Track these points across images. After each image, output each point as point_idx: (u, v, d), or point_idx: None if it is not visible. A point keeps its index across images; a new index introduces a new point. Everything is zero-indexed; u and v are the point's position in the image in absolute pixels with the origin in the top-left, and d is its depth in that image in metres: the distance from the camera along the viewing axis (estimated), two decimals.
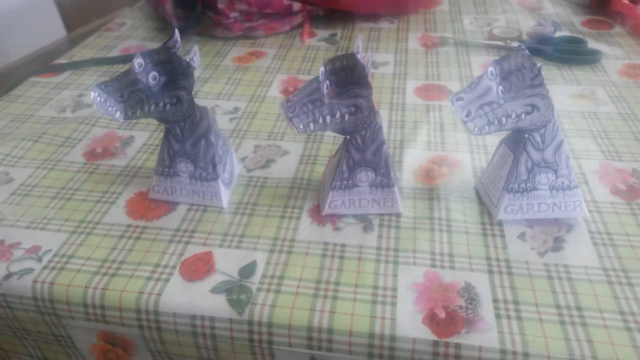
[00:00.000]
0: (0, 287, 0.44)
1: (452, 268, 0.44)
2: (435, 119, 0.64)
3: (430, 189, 0.53)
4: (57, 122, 0.66)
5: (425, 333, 0.38)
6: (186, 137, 0.50)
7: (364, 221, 0.49)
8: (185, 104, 0.48)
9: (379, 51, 0.83)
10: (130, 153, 0.60)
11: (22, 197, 0.53)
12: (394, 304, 0.41)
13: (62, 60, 0.83)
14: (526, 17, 0.93)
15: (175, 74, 0.47)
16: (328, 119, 0.45)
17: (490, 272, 0.43)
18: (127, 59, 0.83)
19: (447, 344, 0.38)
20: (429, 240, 0.47)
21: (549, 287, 0.42)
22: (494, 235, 0.47)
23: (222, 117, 0.66)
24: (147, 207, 0.52)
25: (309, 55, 0.83)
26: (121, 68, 0.80)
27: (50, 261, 0.45)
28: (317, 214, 0.50)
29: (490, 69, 0.45)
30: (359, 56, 0.45)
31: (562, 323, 0.39)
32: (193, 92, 0.49)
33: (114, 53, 0.85)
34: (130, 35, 0.92)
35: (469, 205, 0.51)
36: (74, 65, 0.80)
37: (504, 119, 0.45)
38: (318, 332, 0.39)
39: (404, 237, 0.47)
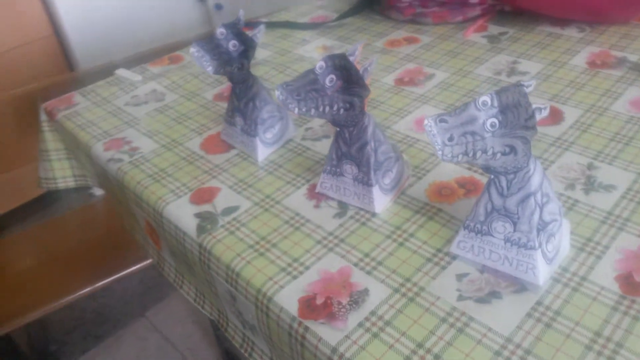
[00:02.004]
0: None
1: (368, 273, 0.46)
2: None
3: (429, 204, 0.53)
4: None
5: (295, 310, 0.44)
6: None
7: (342, 208, 0.54)
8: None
9: (533, 59, 0.77)
10: None
11: None
12: (295, 277, 0.46)
13: (263, 20, 1.02)
14: None
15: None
16: (327, 109, 0.50)
17: (396, 291, 0.44)
18: (311, 26, 0.96)
19: (300, 323, 0.42)
20: (375, 244, 0.49)
21: (433, 327, 0.41)
22: (436, 263, 0.46)
23: None
24: None
25: (456, 49, 0.82)
26: (307, 34, 0.94)
27: None
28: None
29: (484, 99, 0.43)
30: (351, 58, 0.48)
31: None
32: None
33: (305, 20, 1.00)
34: (326, 6, 1.05)
35: (444, 230, 0.50)
36: (270, 25, 0.98)
37: (479, 153, 0.43)
38: None
39: (358, 234, 0.50)
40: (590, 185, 0.53)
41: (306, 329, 0.42)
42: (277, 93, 0.48)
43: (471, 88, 0.72)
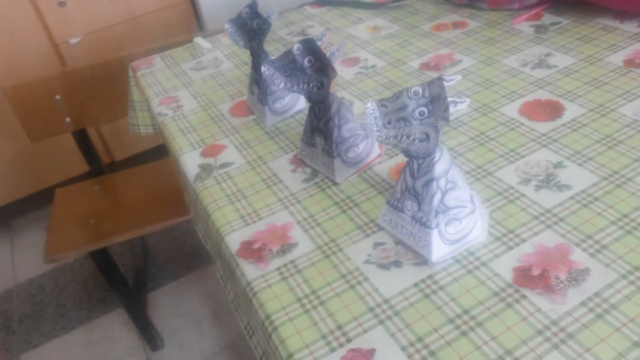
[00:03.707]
0: None
1: (305, 231, 0.54)
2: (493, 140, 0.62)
3: (386, 181, 0.58)
4: None
5: (235, 249, 0.53)
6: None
7: (313, 174, 0.61)
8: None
9: (569, 53, 0.75)
10: None
11: None
12: (247, 224, 0.56)
13: None
14: None
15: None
16: (306, 86, 0.58)
17: (318, 247, 0.51)
18: (373, 6, 1.01)
19: (235, 260, 0.52)
20: (322, 208, 0.56)
21: (331, 280, 0.48)
22: (363, 231, 0.52)
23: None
24: None
25: (498, 37, 0.82)
26: (365, 13, 0.99)
27: None
28: None
29: (415, 89, 0.48)
30: (319, 43, 0.55)
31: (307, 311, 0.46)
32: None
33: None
34: None
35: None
36: (332, 3, 1.05)
37: (404, 138, 0.48)
38: None
39: (314, 198, 0.58)
40: (545, 183, 0.54)
41: (236, 265, 0.52)
42: (262, 69, 0.57)
43: (488, 78, 0.73)
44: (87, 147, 1.38)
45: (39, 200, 1.84)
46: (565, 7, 0.87)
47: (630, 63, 0.70)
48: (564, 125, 0.61)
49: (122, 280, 1.29)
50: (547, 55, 0.75)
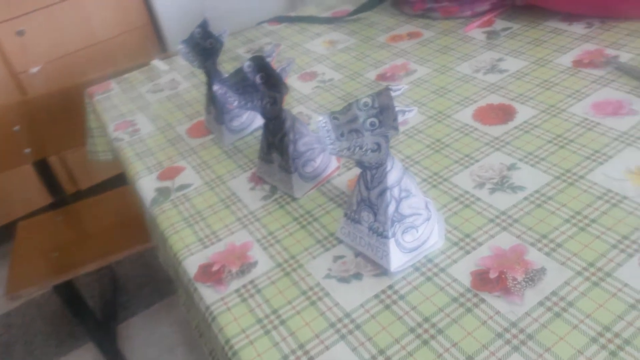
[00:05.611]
0: None
1: (265, 249, 0.53)
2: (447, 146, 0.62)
3: (345, 193, 0.58)
4: None
5: (193, 273, 0.52)
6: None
7: (272, 191, 0.60)
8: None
9: (520, 57, 0.76)
10: None
11: None
12: (206, 247, 0.54)
13: (292, 14, 1.09)
14: None
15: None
16: (258, 102, 0.58)
17: (278, 265, 0.50)
18: (330, 20, 1.02)
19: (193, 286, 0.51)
20: (282, 225, 0.55)
21: (291, 298, 0.47)
22: (322, 245, 0.52)
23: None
24: None
25: (452, 45, 0.83)
26: (322, 28, 1.00)
27: None
28: None
29: (365, 100, 0.48)
30: (268, 59, 0.55)
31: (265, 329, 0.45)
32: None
33: (327, 14, 1.06)
34: (352, 1, 1.09)
35: None
36: (289, 19, 1.05)
37: (357, 149, 0.48)
38: None
39: (273, 215, 0.57)
40: (500, 185, 0.54)
41: (195, 289, 0.50)
42: (215, 88, 0.56)
43: (442, 85, 0.73)
44: (49, 178, 1.35)
45: (2, 236, 1.78)
46: (515, 12, 0.89)
47: (578, 63, 0.71)
48: (516, 127, 0.62)
49: (90, 312, 1.25)
50: (499, 60, 0.77)
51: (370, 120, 0.46)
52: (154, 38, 2.04)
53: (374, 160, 0.46)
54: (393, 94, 0.46)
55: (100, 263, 1.17)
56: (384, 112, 0.46)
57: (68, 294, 1.19)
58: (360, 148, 0.46)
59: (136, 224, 1.25)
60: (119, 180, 1.94)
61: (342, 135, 0.47)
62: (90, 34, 1.75)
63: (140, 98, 0.88)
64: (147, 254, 1.76)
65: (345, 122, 0.47)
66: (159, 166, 0.69)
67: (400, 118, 0.45)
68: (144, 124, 0.80)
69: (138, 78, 0.95)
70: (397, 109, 0.45)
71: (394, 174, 0.46)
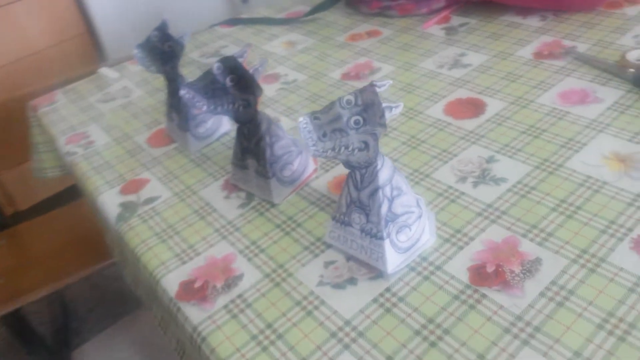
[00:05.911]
0: None
1: (249, 260, 0.50)
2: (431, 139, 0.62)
3: (326, 196, 0.56)
4: None
5: (173, 292, 0.48)
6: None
7: (248, 199, 0.57)
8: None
9: (481, 51, 0.77)
10: None
11: None
12: (184, 262, 0.51)
13: (245, 16, 1.06)
14: None
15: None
16: (230, 106, 0.54)
17: (266, 276, 0.48)
18: (286, 21, 1.00)
19: (175, 304, 0.47)
20: (264, 233, 0.53)
21: (286, 309, 0.44)
22: (311, 251, 0.49)
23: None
24: None
25: (412, 42, 0.83)
26: (278, 29, 0.97)
27: None
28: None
29: (348, 97, 0.46)
30: (240, 60, 0.52)
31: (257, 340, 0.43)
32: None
33: (282, 15, 1.04)
34: (305, 1, 1.07)
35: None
36: (243, 21, 1.02)
37: (342, 149, 0.46)
38: None
39: (253, 224, 0.54)
40: (482, 178, 0.54)
41: (178, 309, 0.47)
42: (182, 92, 0.53)
43: (409, 82, 0.73)
44: None
45: None
46: (471, 8, 0.90)
47: (539, 55, 0.73)
48: (488, 120, 0.62)
49: (41, 342, 1.17)
50: (461, 55, 0.77)
51: (355, 119, 0.45)
52: (92, 46, 1.95)
53: (362, 159, 0.44)
54: (377, 89, 0.44)
55: (51, 288, 1.09)
56: (368, 109, 0.44)
57: (16, 324, 1.10)
58: (347, 148, 0.44)
59: (87, 242, 1.18)
60: (63, 197, 1.84)
61: (324, 135, 0.45)
62: (25, 44, 1.65)
63: (90, 108, 0.82)
64: (95, 275, 1.67)
65: (328, 122, 0.45)
66: (121, 179, 0.65)
67: (387, 114, 0.44)
68: (98, 135, 0.75)
69: (86, 87, 0.89)
70: (383, 105, 0.44)
71: (384, 173, 0.44)
